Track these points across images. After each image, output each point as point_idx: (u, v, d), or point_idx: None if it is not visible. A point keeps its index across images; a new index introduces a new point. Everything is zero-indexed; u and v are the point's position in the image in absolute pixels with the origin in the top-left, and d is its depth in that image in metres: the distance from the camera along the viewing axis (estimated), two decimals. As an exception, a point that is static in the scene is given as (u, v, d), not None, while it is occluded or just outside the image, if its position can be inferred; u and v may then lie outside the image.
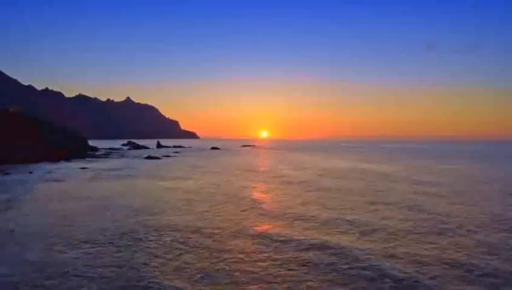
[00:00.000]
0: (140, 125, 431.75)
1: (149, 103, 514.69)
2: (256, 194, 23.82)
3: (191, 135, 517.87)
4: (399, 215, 16.99)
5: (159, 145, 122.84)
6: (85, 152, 70.18)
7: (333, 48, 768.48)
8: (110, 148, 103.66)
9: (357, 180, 31.80)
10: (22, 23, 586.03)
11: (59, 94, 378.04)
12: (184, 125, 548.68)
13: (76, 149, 65.34)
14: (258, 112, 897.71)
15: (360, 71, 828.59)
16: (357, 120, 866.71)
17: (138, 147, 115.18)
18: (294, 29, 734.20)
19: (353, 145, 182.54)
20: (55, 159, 53.45)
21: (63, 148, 59.62)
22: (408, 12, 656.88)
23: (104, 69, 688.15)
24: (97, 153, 74.46)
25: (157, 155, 67.68)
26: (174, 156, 70.97)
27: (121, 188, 26.02)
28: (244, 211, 17.97)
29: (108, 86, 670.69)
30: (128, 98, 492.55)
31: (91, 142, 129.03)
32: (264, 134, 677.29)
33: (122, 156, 71.33)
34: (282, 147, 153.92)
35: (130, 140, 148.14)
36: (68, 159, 56.23)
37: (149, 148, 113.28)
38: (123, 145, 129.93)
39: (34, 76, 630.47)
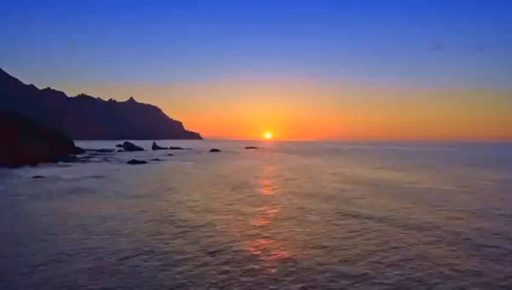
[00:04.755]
0: (143, 126, 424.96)
1: (153, 104, 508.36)
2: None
3: (195, 136, 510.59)
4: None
5: (155, 147, 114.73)
6: (64, 154, 61.55)
7: (335, 49, 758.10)
8: (100, 150, 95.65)
9: None
10: (23, 22, 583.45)
11: (61, 94, 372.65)
12: (187, 126, 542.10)
13: (51, 151, 56.80)
14: (261, 114, 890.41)
15: (363, 72, 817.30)
16: (359, 122, 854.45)
17: (132, 148, 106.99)
18: (298, 29, 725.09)
19: (366, 148, 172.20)
20: (19, 163, 45.08)
21: (33, 150, 51.24)
22: (410, 12, 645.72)
23: (107, 69, 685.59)
24: (79, 156, 65.98)
25: (143, 159, 58.97)
26: (164, 160, 62.15)
27: (46, 218, 17.21)
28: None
29: (110, 86, 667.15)
30: (131, 98, 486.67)
31: (91, 143, 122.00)
32: (268, 135, 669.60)
33: (105, 159, 62.70)
34: (291, 149, 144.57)
35: (127, 141, 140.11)
36: (34, 163, 47.76)
37: (143, 149, 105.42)
38: (118, 146, 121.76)
39: (36, 75, 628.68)
